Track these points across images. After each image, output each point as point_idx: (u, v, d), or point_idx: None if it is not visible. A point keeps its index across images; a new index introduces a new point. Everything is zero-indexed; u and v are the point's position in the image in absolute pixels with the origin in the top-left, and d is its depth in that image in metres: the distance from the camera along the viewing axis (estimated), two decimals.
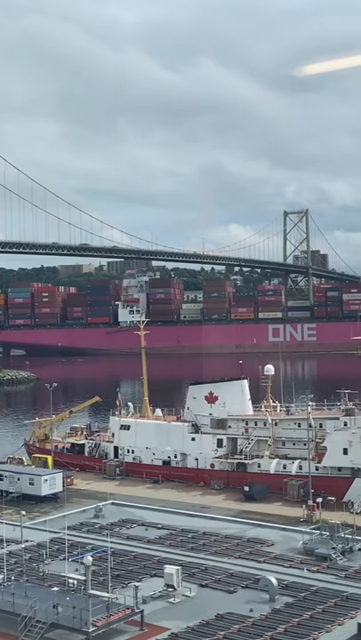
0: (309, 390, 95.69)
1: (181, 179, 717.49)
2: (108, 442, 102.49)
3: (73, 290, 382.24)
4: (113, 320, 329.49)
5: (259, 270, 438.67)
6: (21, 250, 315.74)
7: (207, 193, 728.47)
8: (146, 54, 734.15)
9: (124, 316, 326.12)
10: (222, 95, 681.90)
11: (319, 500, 64.53)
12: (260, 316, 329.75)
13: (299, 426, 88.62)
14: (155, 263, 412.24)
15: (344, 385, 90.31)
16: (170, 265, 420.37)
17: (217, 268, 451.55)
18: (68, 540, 48.85)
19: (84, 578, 38.70)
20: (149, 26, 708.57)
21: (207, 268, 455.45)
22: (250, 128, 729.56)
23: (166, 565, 43.87)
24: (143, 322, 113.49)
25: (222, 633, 36.21)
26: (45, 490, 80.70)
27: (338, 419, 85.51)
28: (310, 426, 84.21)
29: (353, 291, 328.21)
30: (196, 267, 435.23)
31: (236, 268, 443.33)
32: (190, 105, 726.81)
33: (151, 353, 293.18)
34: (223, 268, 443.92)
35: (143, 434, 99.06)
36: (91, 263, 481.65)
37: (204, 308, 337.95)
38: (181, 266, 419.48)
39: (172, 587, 41.82)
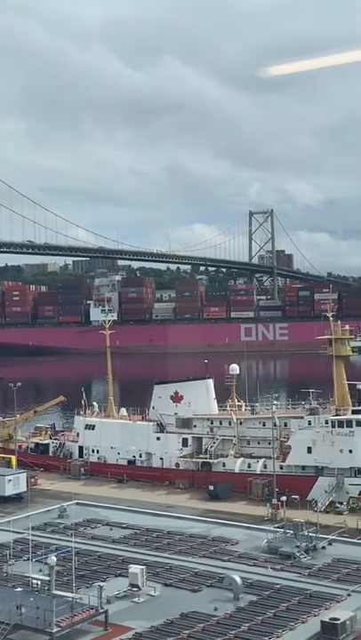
0: (274, 389, 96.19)
1: (146, 178, 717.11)
2: (72, 441, 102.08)
3: (44, 289, 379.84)
4: (85, 319, 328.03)
5: (225, 270, 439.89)
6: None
7: (172, 192, 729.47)
8: (110, 52, 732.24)
9: (95, 315, 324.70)
10: (187, 95, 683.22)
11: (283, 498, 64.86)
12: (233, 315, 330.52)
13: (263, 425, 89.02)
14: (120, 262, 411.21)
15: (313, 384, 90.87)
16: (135, 264, 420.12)
17: (183, 267, 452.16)
18: (32, 540, 48.53)
19: (47, 578, 38.46)
20: (113, 24, 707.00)
21: (173, 267, 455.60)
22: (214, 128, 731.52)
23: (131, 565, 43.79)
24: (108, 321, 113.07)
25: (187, 632, 36.21)
26: (9, 490, 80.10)
27: (302, 418, 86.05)
28: (275, 425, 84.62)
29: (324, 290, 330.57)
30: (162, 266, 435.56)
31: (202, 268, 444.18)
32: (155, 104, 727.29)
33: (123, 352, 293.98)
34: (189, 267, 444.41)
35: (108, 433, 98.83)
36: (56, 262, 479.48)
37: (176, 308, 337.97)
38: (147, 265, 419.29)
39: (137, 586, 41.76)
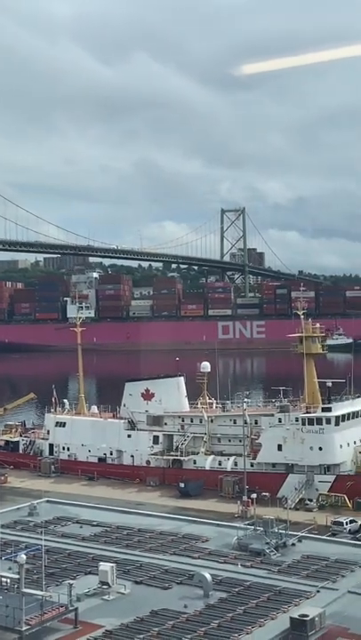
0: (245, 387, 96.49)
1: (117, 175, 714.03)
2: (43, 439, 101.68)
3: (20, 285, 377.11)
4: (62, 316, 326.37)
5: (196, 268, 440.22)
6: None
7: (143, 190, 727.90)
8: (80, 48, 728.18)
9: (72, 312, 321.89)
10: (158, 91, 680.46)
11: (254, 495, 65.11)
12: (210, 313, 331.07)
13: (234, 422, 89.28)
14: (92, 260, 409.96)
15: (289, 381, 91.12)
16: (107, 261, 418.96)
17: (155, 265, 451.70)
18: (2, 538, 48.23)
19: (17, 576, 38.26)
20: (83, 19, 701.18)
21: (145, 264, 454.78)
22: (186, 125, 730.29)
23: (101, 563, 43.71)
24: (79, 318, 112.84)
25: (156, 629, 36.24)
26: None
27: (273, 415, 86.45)
28: (245, 422, 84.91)
29: (302, 288, 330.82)
30: (134, 263, 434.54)
31: (174, 266, 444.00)
32: (126, 101, 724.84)
33: (100, 350, 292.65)
34: (161, 265, 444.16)
35: (79, 431, 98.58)
36: (27, 259, 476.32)
37: (153, 305, 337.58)
38: (118, 262, 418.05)
39: (107, 584, 41.70)
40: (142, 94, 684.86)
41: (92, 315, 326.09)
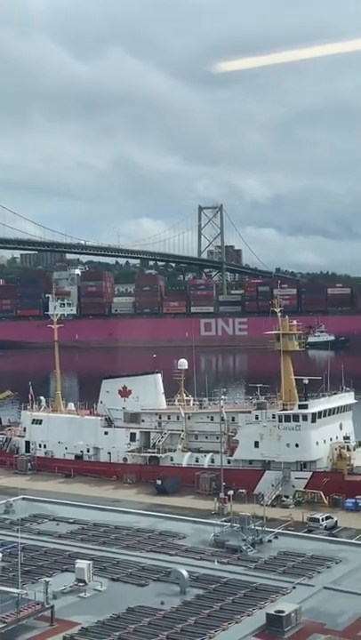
0: (222, 384, 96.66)
1: (95, 171, 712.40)
2: (19, 436, 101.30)
3: (1, 282, 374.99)
4: (44, 313, 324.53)
5: (174, 265, 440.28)
6: None
7: (120, 186, 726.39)
8: (55, 43, 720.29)
9: (54, 308, 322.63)
10: (135, 88, 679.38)
11: (230, 492, 65.27)
12: (193, 310, 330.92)
13: (211, 419, 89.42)
14: (69, 256, 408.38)
15: (269, 379, 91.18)
16: (84, 258, 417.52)
17: (132, 261, 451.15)
18: None
19: None
20: (57, 14, 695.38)
21: (122, 261, 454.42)
22: (163, 122, 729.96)
23: (77, 560, 43.60)
24: (56, 315, 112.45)
25: (133, 626, 36.21)
26: None
27: (250, 412, 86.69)
28: (223, 419, 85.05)
29: (284, 286, 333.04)
30: (111, 260, 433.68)
31: (151, 263, 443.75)
32: (104, 97, 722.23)
33: (82, 346, 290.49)
34: (138, 262, 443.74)
35: (55, 428, 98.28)
36: (3, 255, 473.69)
37: (135, 302, 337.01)
38: (95, 259, 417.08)
39: (83, 581, 41.60)
40: (119, 90, 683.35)
41: (74, 311, 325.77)
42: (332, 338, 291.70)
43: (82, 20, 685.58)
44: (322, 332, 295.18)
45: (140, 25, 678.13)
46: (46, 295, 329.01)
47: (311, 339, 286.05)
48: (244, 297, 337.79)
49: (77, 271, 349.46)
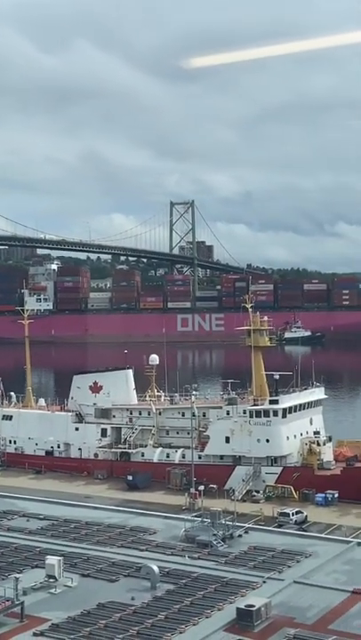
0: (193, 380, 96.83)
1: (64, 166, 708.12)
2: None
3: None
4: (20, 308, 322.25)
5: (145, 260, 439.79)
6: None
7: (90, 181, 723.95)
8: (22, 37, 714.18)
9: (30, 304, 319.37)
10: (103, 82, 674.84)
11: (201, 487, 65.43)
12: (170, 305, 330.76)
13: (182, 415, 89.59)
14: (39, 251, 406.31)
15: (245, 374, 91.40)
16: (55, 253, 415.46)
17: (103, 257, 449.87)
18: None
19: None
20: (24, 8, 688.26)
21: (93, 257, 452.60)
22: (132, 117, 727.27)
23: (48, 556, 43.45)
24: (26, 310, 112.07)
25: (103, 622, 36.17)
26: None
27: (221, 408, 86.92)
28: (194, 415, 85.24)
29: (260, 282, 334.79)
30: (82, 255, 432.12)
31: (122, 258, 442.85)
32: (72, 90, 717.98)
33: (58, 342, 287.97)
34: (109, 257, 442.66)
35: (26, 424, 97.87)
36: None
37: (112, 297, 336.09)
38: (66, 254, 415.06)
39: (54, 577, 41.48)
40: (87, 84, 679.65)
41: (50, 307, 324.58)
42: (308, 333, 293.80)
43: (48, 14, 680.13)
44: (298, 327, 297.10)
45: (108, 18, 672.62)
46: (22, 290, 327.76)
47: (288, 334, 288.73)
48: (221, 293, 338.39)
49: (54, 266, 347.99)
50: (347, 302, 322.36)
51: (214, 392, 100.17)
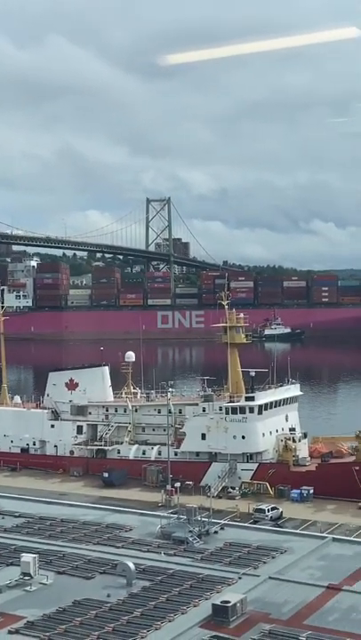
0: (170, 377, 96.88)
1: (39, 162, 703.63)
2: None
3: None
4: None
5: (121, 257, 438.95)
6: None
7: (65, 177, 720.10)
8: None
9: (10, 300, 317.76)
10: (79, 77, 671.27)
11: (177, 484, 65.53)
12: (150, 302, 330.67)
13: (159, 412, 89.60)
14: (15, 248, 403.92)
15: (223, 371, 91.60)
16: (30, 250, 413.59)
17: (79, 254, 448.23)
18: None
19: None
20: None
21: (69, 253, 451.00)
22: (108, 112, 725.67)
23: (23, 554, 43.27)
24: (3, 307, 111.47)
25: (79, 619, 36.08)
26: None
27: (197, 405, 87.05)
28: (170, 412, 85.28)
29: (240, 279, 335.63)
30: (58, 252, 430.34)
31: (98, 255, 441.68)
32: (46, 86, 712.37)
33: (38, 339, 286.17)
34: (85, 254, 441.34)
35: (1, 421, 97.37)
36: None
37: (92, 294, 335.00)
38: (42, 251, 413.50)
39: (29, 575, 41.31)
40: (62, 80, 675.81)
41: (30, 303, 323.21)
42: (288, 330, 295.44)
43: (22, 8, 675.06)
44: (278, 324, 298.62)
45: (83, 14, 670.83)
46: (1, 287, 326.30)
47: (268, 331, 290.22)
48: (201, 290, 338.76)
49: (33, 263, 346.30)
50: (326, 299, 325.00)
51: (191, 389, 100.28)
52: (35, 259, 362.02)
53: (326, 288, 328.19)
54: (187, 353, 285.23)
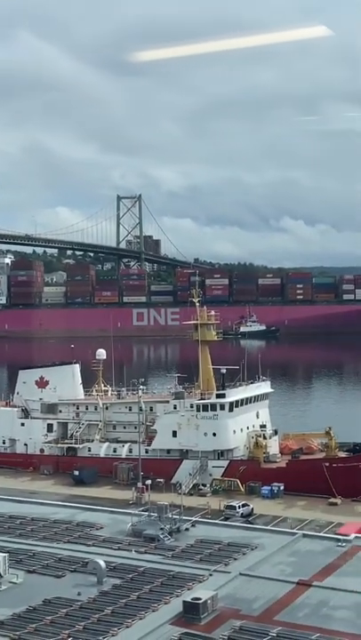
0: (141, 374, 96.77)
1: (6, 158, 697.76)
2: None
3: None
4: None
5: (92, 254, 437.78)
6: None
7: (34, 174, 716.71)
8: None
9: None
10: (48, 74, 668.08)
11: (148, 482, 65.47)
12: (125, 300, 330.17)
13: (130, 409, 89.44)
14: None
15: (197, 368, 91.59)
16: (3, 247, 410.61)
17: (49, 251, 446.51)
18: None
19: None
20: None
21: (39, 250, 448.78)
22: (77, 109, 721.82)
23: None
24: None
25: (49, 618, 35.93)
26: None
27: (168, 402, 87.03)
28: (141, 409, 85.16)
29: (216, 276, 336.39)
30: (28, 249, 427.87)
31: (69, 252, 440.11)
32: (14, 82, 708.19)
33: (12, 336, 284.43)
34: (56, 251, 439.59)
35: None
36: None
37: (67, 292, 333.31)
38: (12, 248, 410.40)
39: None
40: (30, 76, 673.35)
41: (4, 301, 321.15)
42: (263, 328, 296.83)
43: None
44: (253, 321, 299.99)
45: (51, 10, 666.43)
46: None
47: (243, 328, 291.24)
48: (176, 287, 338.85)
49: (7, 260, 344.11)
50: (301, 297, 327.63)
51: (163, 387, 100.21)
52: (9, 256, 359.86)
53: (301, 285, 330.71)
54: (162, 350, 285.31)
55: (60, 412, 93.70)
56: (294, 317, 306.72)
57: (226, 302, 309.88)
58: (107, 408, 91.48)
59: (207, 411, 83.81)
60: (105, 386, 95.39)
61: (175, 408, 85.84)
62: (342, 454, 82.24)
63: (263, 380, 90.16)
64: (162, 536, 47.94)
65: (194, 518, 53.68)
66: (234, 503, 72.26)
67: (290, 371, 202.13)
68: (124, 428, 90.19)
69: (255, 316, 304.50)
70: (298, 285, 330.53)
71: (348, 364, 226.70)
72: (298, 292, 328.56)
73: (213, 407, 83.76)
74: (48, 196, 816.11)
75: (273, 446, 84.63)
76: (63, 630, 34.53)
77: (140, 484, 73.51)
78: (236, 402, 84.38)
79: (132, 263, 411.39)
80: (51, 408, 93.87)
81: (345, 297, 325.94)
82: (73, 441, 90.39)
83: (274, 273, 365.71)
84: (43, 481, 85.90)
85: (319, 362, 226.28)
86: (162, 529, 48.54)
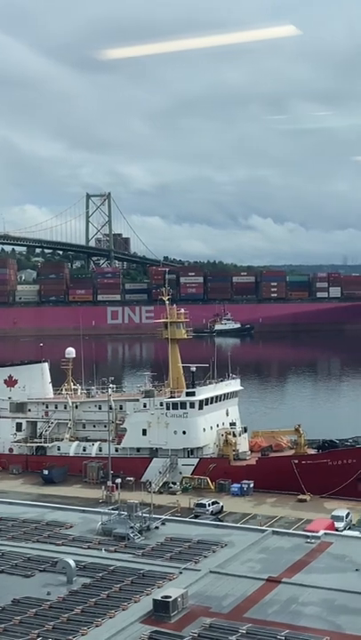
0: (114, 372, 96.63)
1: None
2: None
3: None
4: None
5: (61, 253, 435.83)
6: None
7: (2, 172, 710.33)
8: None
9: None
10: (14, 70, 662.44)
11: (118, 480, 65.38)
12: (99, 298, 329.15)
13: (99, 408, 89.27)
14: None
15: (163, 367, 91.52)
16: None
17: (17, 249, 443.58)
18: None
19: None
20: None
21: (7, 248, 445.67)
22: (45, 106, 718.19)
23: None
24: None
25: (18, 618, 35.72)
26: None
27: (137, 400, 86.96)
28: (111, 408, 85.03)
29: (190, 274, 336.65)
30: None
31: (38, 250, 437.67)
32: None
33: None
34: (24, 249, 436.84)
35: None
36: None
37: (41, 290, 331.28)
38: None
39: None
40: None
41: None
42: (237, 325, 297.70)
43: None
44: (228, 319, 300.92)
45: (19, 5, 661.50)
46: None
47: (218, 326, 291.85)
48: (151, 285, 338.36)
49: None
50: (275, 295, 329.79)
51: (132, 385, 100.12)
52: None
53: (275, 283, 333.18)
54: (137, 349, 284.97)
55: (30, 410, 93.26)
56: (268, 315, 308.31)
57: (200, 300, 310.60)
58: (76, 407, 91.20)
59: (177, 409, 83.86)
60: (75, 384, 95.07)
61: (145, 406, 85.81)
62: (311, 451, 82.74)
63: (233, 378, 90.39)
64: (132, 534, 47.87)
65: (164, 516, 53.67)
66: (204, 501, 72.44)
67: (262, 368, 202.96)
68: (94, 426, 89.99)
69: (230, 314, 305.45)
70: (272, 283, 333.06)
71: (320, 361, 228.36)
72: (272, 290, 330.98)
73: (183, 405, 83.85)
74: (16, 193, 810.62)
75: (243, 444, 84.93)
76: (32, 630, 34.33)
77: (109, 483, 73.40)
78: (206, 400, 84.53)
79: (101, 261, 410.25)
80: (19, 407, 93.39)
81: (318, 295, 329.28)
82: (42, 440, 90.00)
83: (248, 271, 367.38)
84: (12, 480, 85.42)
85: (291, 359, 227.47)
86: (132, 527, 48.47)
